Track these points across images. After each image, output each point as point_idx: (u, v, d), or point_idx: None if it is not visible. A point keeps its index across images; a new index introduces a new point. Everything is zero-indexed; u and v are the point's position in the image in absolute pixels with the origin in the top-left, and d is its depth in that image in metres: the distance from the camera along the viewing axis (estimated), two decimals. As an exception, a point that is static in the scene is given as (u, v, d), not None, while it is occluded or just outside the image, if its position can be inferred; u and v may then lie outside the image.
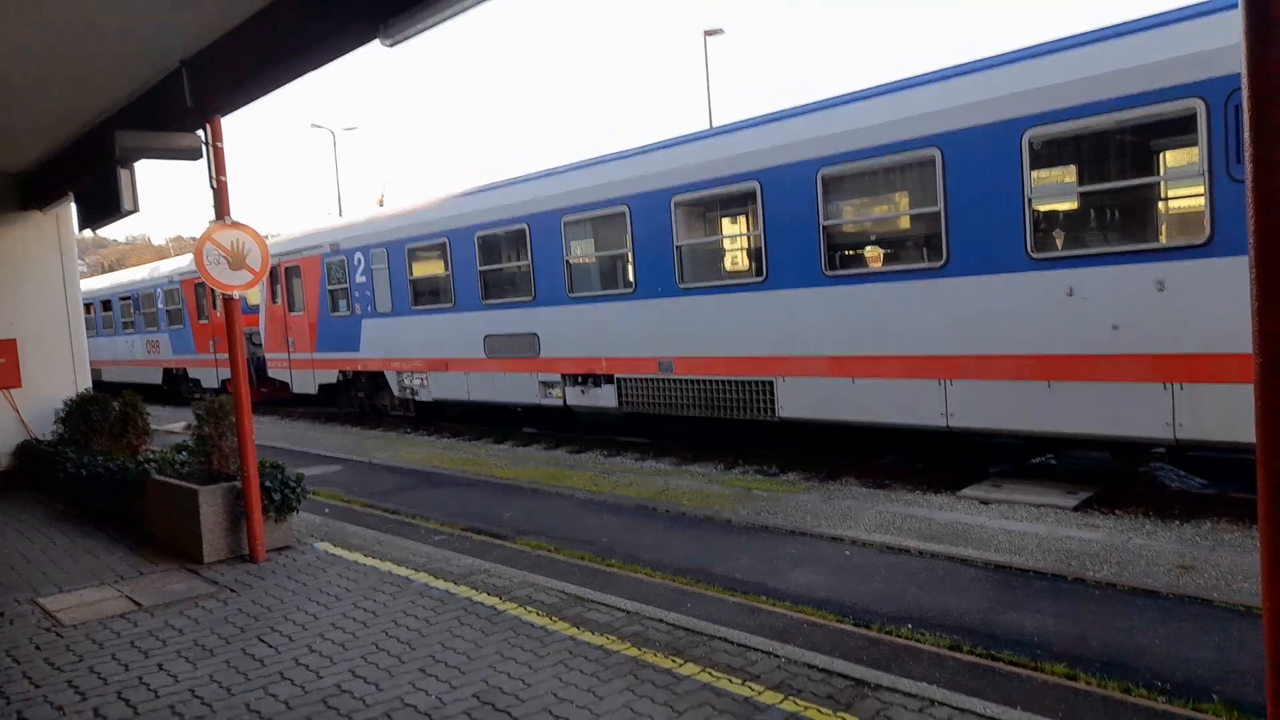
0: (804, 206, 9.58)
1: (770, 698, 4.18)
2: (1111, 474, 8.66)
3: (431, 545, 7.59)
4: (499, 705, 4.25)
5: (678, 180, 10.90)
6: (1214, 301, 7.02)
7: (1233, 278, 6.80)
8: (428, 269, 15.19)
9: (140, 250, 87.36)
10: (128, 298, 26.62)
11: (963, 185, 8.36)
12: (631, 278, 11.65)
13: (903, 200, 9.48)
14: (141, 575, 6.95)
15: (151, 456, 8.79)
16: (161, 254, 75.43)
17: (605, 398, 12.25)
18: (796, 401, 10.04)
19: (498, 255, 13.82)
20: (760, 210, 10.03)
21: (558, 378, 12.86)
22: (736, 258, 11.61)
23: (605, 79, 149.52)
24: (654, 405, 11.61)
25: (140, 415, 9.69)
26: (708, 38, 31.55)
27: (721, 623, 5.31)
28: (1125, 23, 7.61)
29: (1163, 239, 7.87)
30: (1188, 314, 7.19)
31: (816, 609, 5.74)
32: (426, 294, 15.12)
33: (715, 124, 12.66)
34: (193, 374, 23.53)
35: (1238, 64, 2.31)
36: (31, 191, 11.14)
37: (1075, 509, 7.80)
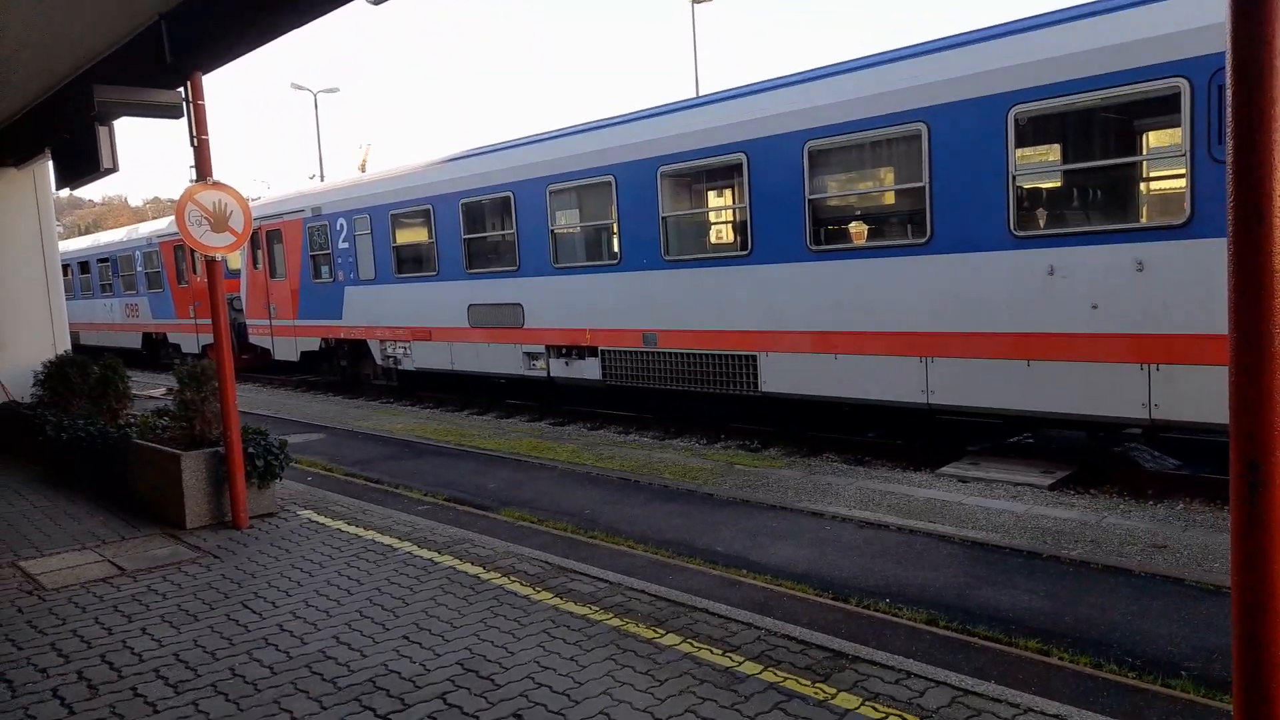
0: (790, 179, 9.57)
1: (750, 668, 4.25)
2: (1087, 453, 8.79)
3: (415, 515, 7.62)
4: (483, 673, 4.30)
5: (664, 150, 10.85)
6: (1192, 283, 7.10)
7: (1211, 259, 6.88)
8: (411, 236, 15.08)
9: (117, 212, 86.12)
10: (106, 260, 26.28)
11: (948, 161, 8.38)
12: (617, 249, 11.62)
13: (888, 175, 9.48)
14: (123, 540, 6.94)
15: (133, 421, 8.74)
16: (139, 216, 74.37)
17: (589, 370, 12.27)
18: (779, 376, 10.10)
19: (482, 223, 13.73)
20: (747, 183, 10.01)
21: (542, 349, 12.86)
22: (722, 231, 11.60)
23: (593, 45, 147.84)
24: (638, 378, 11.64)
25: (121, 379, 9.63)
26: (696, 4, 31.26)
27: (703, 595, 5.38)
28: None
29: (1143, 219, 7.94)
30: (1166, 295, 7.27)
31: (797, 582, 5.83)
32: (410, 261, 15.02)
33: (703, 93, 12.56)
34: (173, 339, 23.32)
35: (1223, 43, 2.33)
36: (7, 146, 10.90)
37: (1051, 488, 7.92)
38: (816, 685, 4.05)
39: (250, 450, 7.29)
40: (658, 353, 11.33)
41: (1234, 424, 2.36)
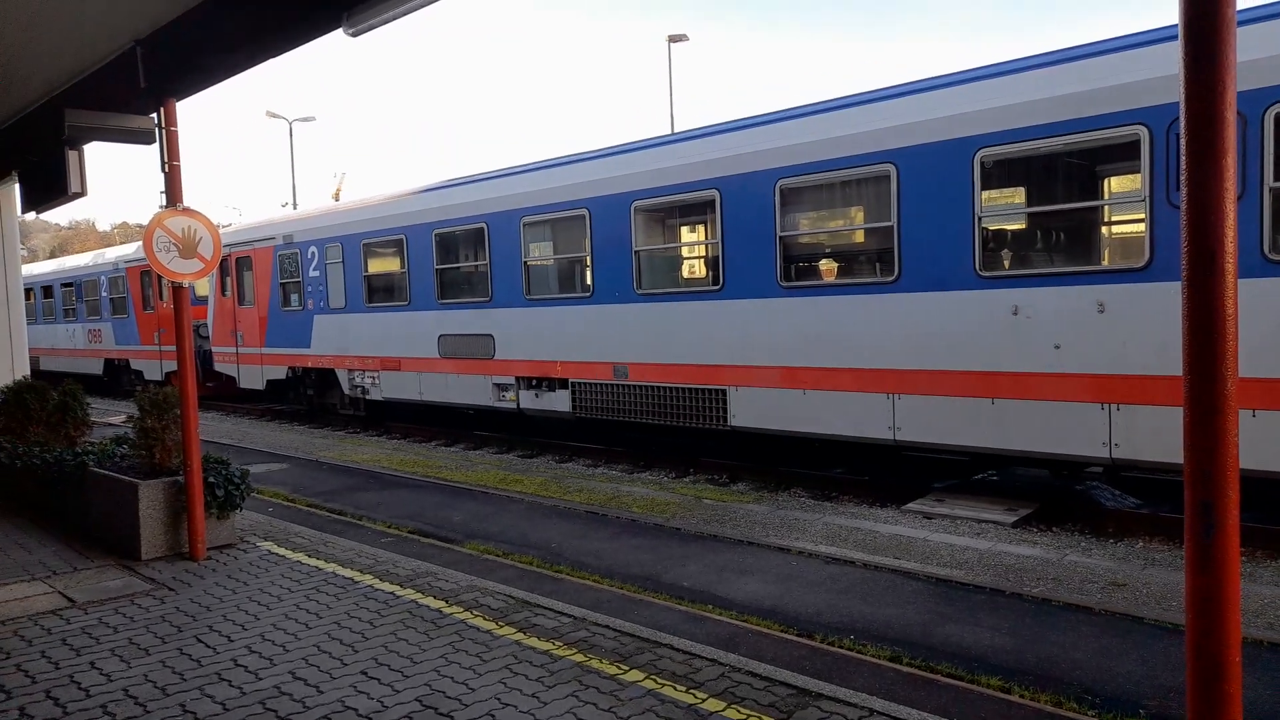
0: (762, 217, 9.68)
1: (714, 705, 4.21)
2: (1050, 491, 8.88)
3: (378, 547, 7.50)
4: (442, 709, 4.22)
5: (638, 185, 10.93)
6: (1151, 325, 7.24)
7: (1169, 302, 7.02)
8: (383, 265, 15.02)
9: (84, 236, 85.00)
10: (70, 284, 25.89)
11: (916, 201, 8.52)
12: (589, 282, 11.65)
13: (858, 214, 9.62)
14: (76, 570, 6.76)
15: (90, 448, 8.56)
16: (107, 240, 73.46)
17: (559, 402, 12.23)
18: (748, 411, 10.13)
19: (455, 254, 13.72)
20: (719, 219, 10.11)
21: (512, 380, 12.81)
22: (694, 265, 11.68)
23: (568, 81, 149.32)
24: (608, 411, 11.61)
25: (80, 405, 9.44)
26: (672, 43, 31.71)
27: (668, 630, 5.34)
28: (1077, 47, 7.83)
29: (1105, 262, 8.12)
30: (1126, 336, 7.41)
31: (762, 618, 5.80)
32: (381, 291, 14.95)
33: (677, 130, 12.73)
34: (135, 365, 22.95)
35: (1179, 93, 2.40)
36: (-27, 168, 10.77)
37: (1014, 525, 7.99)
38: (780, 723, 4.02)
39: (210, 480, 7.16)
40: (628, 385, 11.33)
41: (1189, 465, 2.40)
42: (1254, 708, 4.28)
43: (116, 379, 24.21)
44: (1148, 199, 7.25)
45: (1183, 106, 2.36)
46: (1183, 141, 2.37)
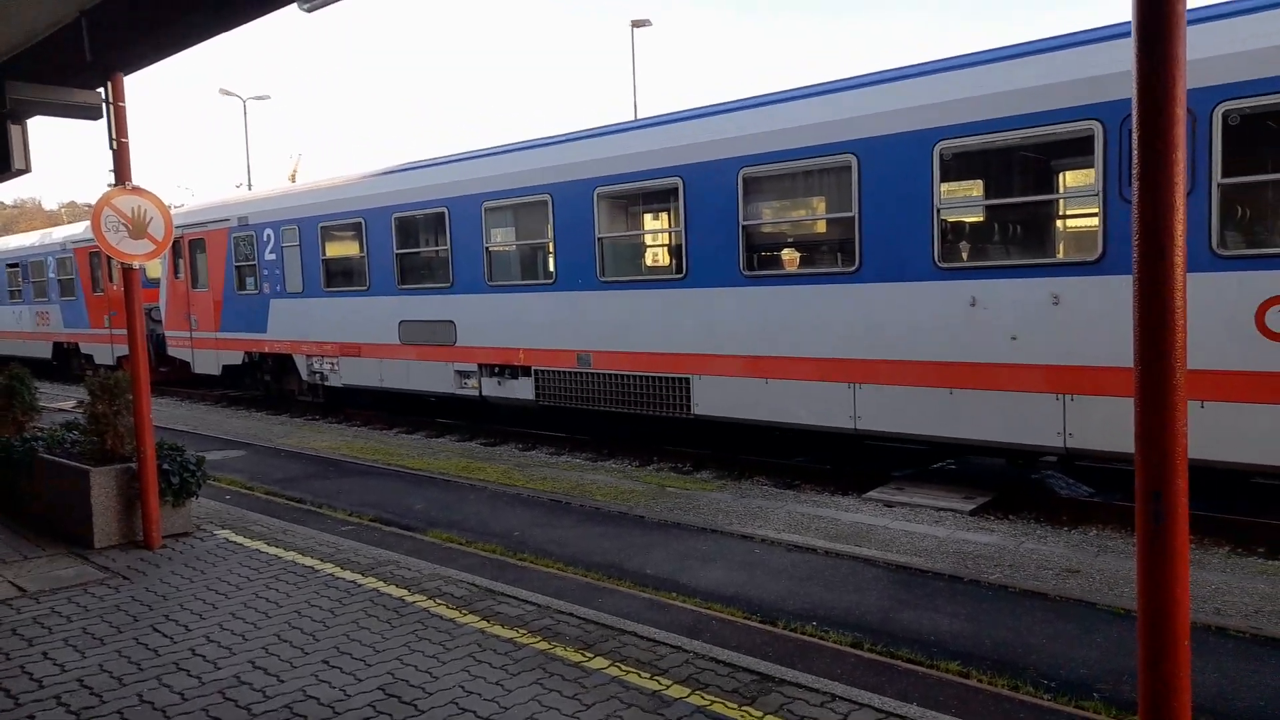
0: (725, 205, 9.70)
1: (678, 691, 4.25)
2: (1007, 480, 9.06)
3: (338, 535, 7.44)
4: (405, 698, 4.21)
5: (601, 171, 10.89)
6: (1103, 317, 7.40)
7: (1120, 295, 7.18)
8: (342, 249, 14.81)
9: (30, 215, 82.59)
10: (15, 265, 25.15)
11: (876, 192, 8.61)
12: (552, 268, 11.60)
13: (820, 204, 9.69)
14: (26, 559, 6.61)
15: (40, 434, 8.35)
16: (54, 220, 71.37)
17: (522, 390, 12.18)
18: (711, 400, 10.18)
19: (415, 238, 13.57)
20: (682, 207, 10.12)
21: (474, 368, 12.73)
22: (657, 253, 11.68)
23: (533, 65, 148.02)
24: (571, 399, 11.60)
25: (28, 389, 9.19)
26: (635, 29, 31.60)
27: (632, 618, 5.37)
28: (1036, 41, 7.95)
29: (1060, 255, 8.27)
30: (1079, 328, 7.57)
31: (725, 605, 5.85)
32: (339, 275, 14.74)
33: (641, 116, 12.69)
34: (85, 349, 22.39)
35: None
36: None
37: (972, 513, 8.14)
38: (743, 709, 4.07)
39: (165, 467, 7.03)
40: (591, 373, 11.31)
41: (1139, 454, 2.46)
42: (1203, 691, 4.42)
43: (66, 363, 23.60)
44: (1101, 194, 7.40)
45: (1135, 103, 2.42)
46: (1134, 137, 2.43)
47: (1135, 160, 2.41)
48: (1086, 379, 7.56)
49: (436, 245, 13.16)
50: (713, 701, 4.14)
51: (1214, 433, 6.86)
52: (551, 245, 11.56)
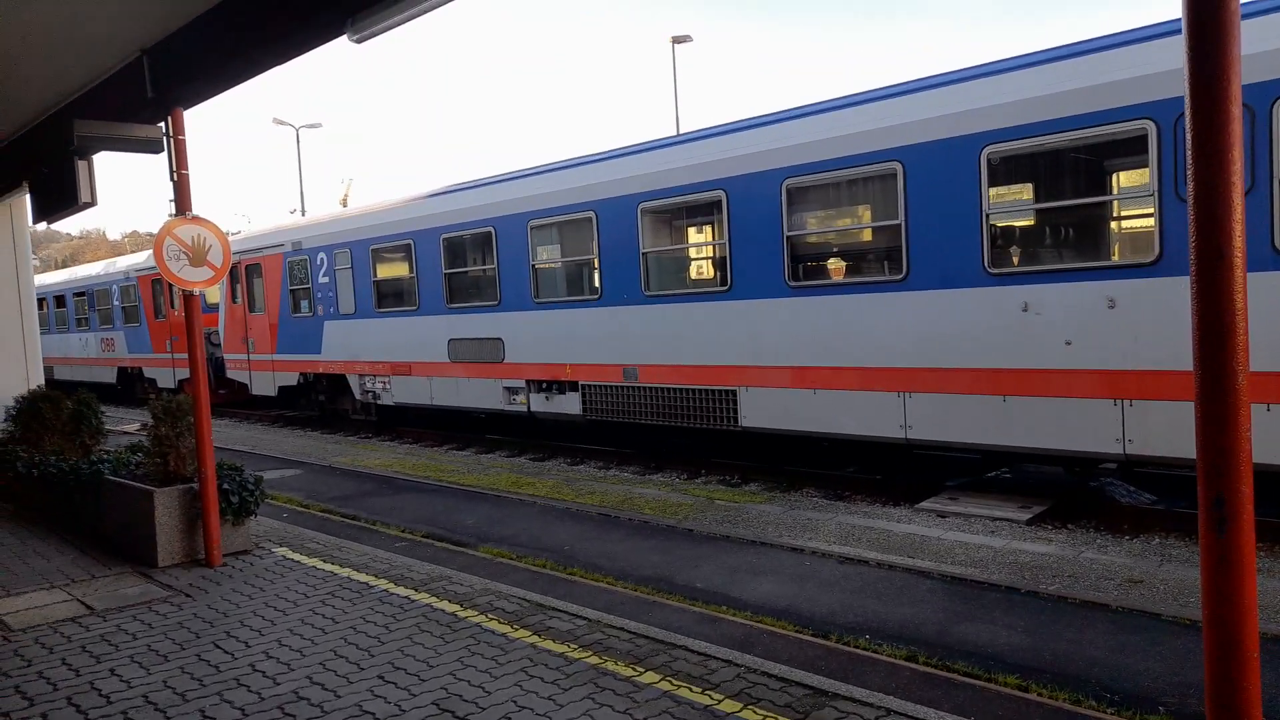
0: (769, 216, 9.68)
1: (730, 706, 4.22)
2: (1064, 488, 8.85)
3: (392, 551, 7.54)
4: (459, 713, 4.24)
5: (645, 187, 10.95)
6: (1161, 319, 7.22)
7: (1179, 297, 7.00)
8: (392, 270, 15.08)
9: (95, 245, 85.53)
10: (82, 294, 26.06)
11: (923, 199, 8.51)
12: (597, 284, 11.67)
13: (865, 213, 9.61)
14: (93, 578, 6.81)
15: (105, 457, 8.62)
16: (117, 249, 73.87)
17: (570, 405, 12.25)
18: (759, 411, 10.13)
19: (463, 258, 13.76)
20: (726, 219, 10.12)
21: (522, 384, 12.84)
22: (702, 267, 11.69)
23: (574, 83, 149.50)
24: (618, 413, 11.63)
25: (94, 414, 9.51)
26: (676, 44, 31.73)
27: (683, 632, 5.35)
28: (1082, 42, 7.81)
29: (1114, 257, 8.08)
30: (1136, 331, 7.38)
31: (776, 619, 5.80)
32: (390, 296, 15.01)
33: (683, 131, 12.74)
34: (148, 373, 23.08)
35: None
36: (-16, 180, 10.86)
37: (1029, 523, 7.96)
38: (796, 723, 4.02)
39: (225, 486, 7.21)
40: (638, 387, 11.34)
41: (1201, 459, 2.40)
42: (1274, 703, 4.26)
43: (130, 387, 24.35)
44: (1156, 194, 7.22)
45: (1188, 101, 2.36)
46: (1188, 136, 2.37)
47: (1190, 160, 2.36)
48: (1145, 383, 7.37)
49: (483, 264, 13.33)
50: (765, 716, 4.10)
51: (1282, 437, 6.62)
52: (596, 261, 11.64)
